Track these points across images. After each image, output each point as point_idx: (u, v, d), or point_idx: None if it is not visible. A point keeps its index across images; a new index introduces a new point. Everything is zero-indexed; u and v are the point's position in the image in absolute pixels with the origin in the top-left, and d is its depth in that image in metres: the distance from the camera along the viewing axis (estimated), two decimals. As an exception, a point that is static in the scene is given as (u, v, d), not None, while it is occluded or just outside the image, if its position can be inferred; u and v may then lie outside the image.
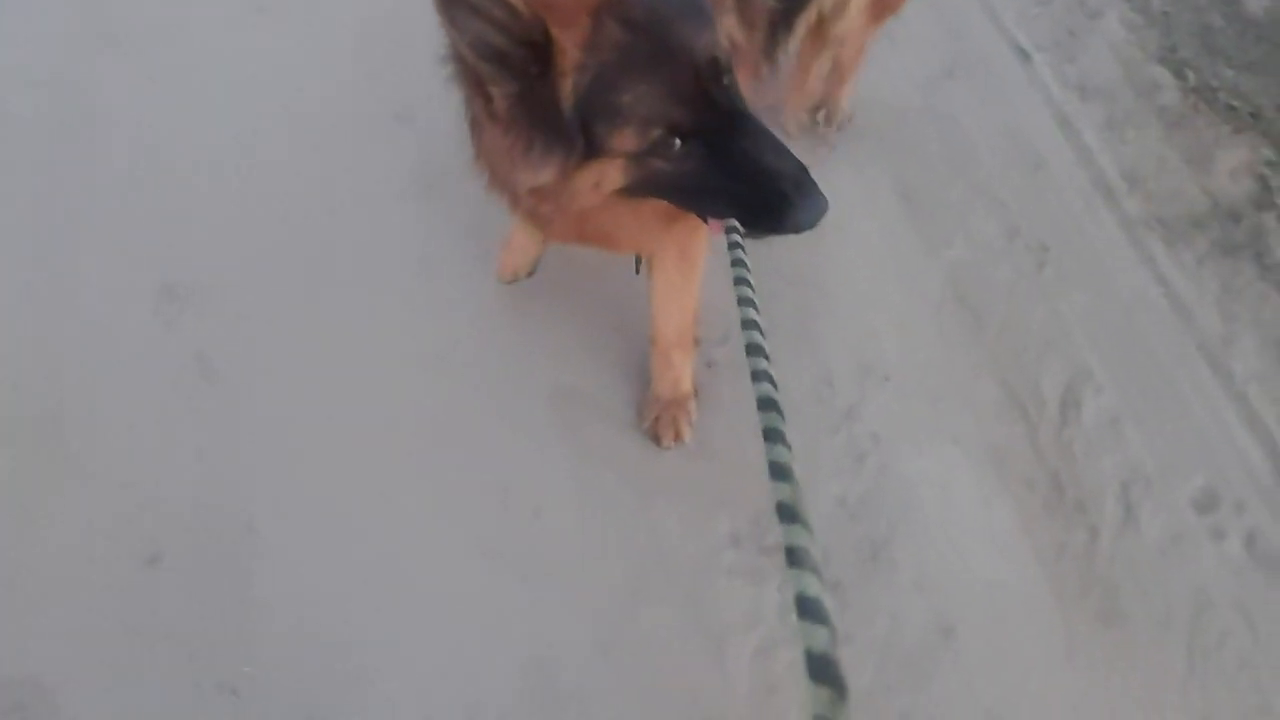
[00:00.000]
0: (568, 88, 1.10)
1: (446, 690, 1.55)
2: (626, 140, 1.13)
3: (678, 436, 1.85)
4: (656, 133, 1.13)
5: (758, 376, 0.90)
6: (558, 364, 1.92)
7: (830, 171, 2.24)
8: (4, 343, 1.87)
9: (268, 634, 1.58)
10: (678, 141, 1.14)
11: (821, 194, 1.16)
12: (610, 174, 1.19)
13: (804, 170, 1.16)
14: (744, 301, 1.05)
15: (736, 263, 1.13)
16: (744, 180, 1.16)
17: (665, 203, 1.28)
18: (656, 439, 1.84)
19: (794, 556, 0.60)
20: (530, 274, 2.04)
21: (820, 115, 2.30)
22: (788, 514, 0.59)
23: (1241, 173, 2.27)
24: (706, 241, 1.68)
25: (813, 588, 0.57)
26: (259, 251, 2.04)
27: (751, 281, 1.09)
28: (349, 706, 1.52)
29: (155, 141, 2.19)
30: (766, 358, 0.95)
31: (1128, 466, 1.89)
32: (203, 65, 2.34)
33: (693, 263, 1.71)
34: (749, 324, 1.01)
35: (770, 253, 2.11)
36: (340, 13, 2.44)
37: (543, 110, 1.12)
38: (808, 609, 0.57)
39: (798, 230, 1.18)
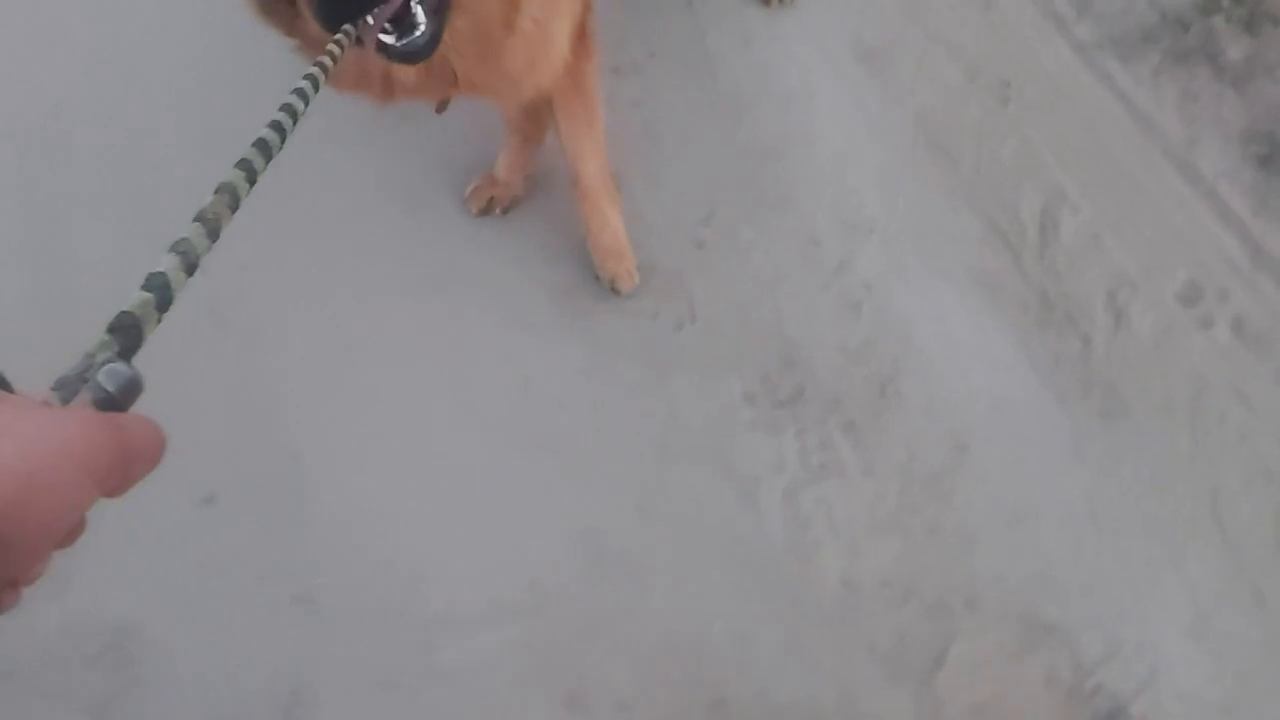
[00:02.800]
0: None
1: (507, 572, 1.65)
2: None
3: (631, 282, 1.93)
4: None
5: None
6: (552, 265, 1.99)
7: (790, 47, 2.29)
8: (21, 324, 1.94)
9: (330, 549, 1.68)
10: None
11: None
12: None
13: None
14: (278, 127, 0.75)
15: (306, 75, 0.85)
16: None
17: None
18: (616, 290, 1.93)
19: (177, 245, 0.55)
20: (504, 211, 2.05)
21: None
22: (199, 217, 0.58)
23: (1185, -20, 2.32)
24: (597, 72, 1.73)
25: (171, 266, 0.54)
26: (250, 206, 2.09)
27: (300, 110, 0.80)
28: (421, 598, 1.63)
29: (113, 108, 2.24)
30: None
31: (1112, 275, 1.97)
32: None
33: (592, 96, 1.75)
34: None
35: (739, 132, 2.17)
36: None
37: None
38: (152, 282, 0.54)
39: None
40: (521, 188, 2.04)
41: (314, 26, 1.15)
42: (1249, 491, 1.72)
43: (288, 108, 0.75)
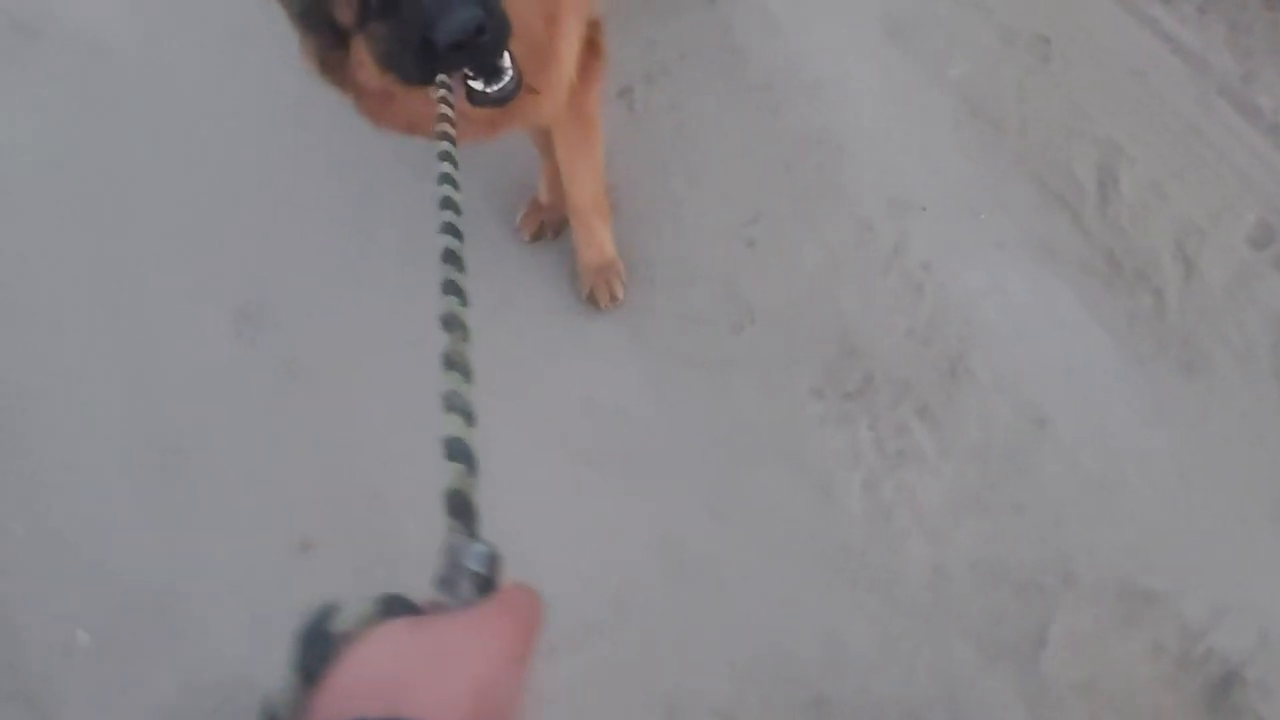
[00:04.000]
0: None
1: (590, 590, 1.67)
2: (343, 10, 1.24)
3: (613, 298, 1.95)
4: (352, 18, 1.23)
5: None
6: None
7: (817, 32, 2.26)
8: (107, 396, 2.03)
9: (422, 587, 1.72)
10: (373, 0, 1.21)
11: (467, 5, 1.16)
12: (359, 51, 1.29)
13: None
14: (444, 179, 0.93)
15: (440, 134, 1.01)
16: (411, 20, 1.19)
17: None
18: (595, 304, 1.94)
19: (447, 402, 0.63)
20: (556, 234, 2.07)
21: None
22: (447, 362, 0.65)
23: (1224, -91, 2.23)
24: (600, 97, 1.76)
25: (456, 428, 0.62)
26: (313, 257, 2.16)
27: (456, 159, 0.97)
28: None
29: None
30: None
31: (1178, 224, 1.91)
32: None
33: (591, 122, 1.78)
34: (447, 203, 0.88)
35: (777, 124, 2.16)
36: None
37: (301, 9, 1.29)
38: (452, 448, 0.61)
39: (447, 42, 1.16)
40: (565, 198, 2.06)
41: (370, 76, 1.30)
42: (1346, 435, 1.67)
43: (449, 202, 0.84)
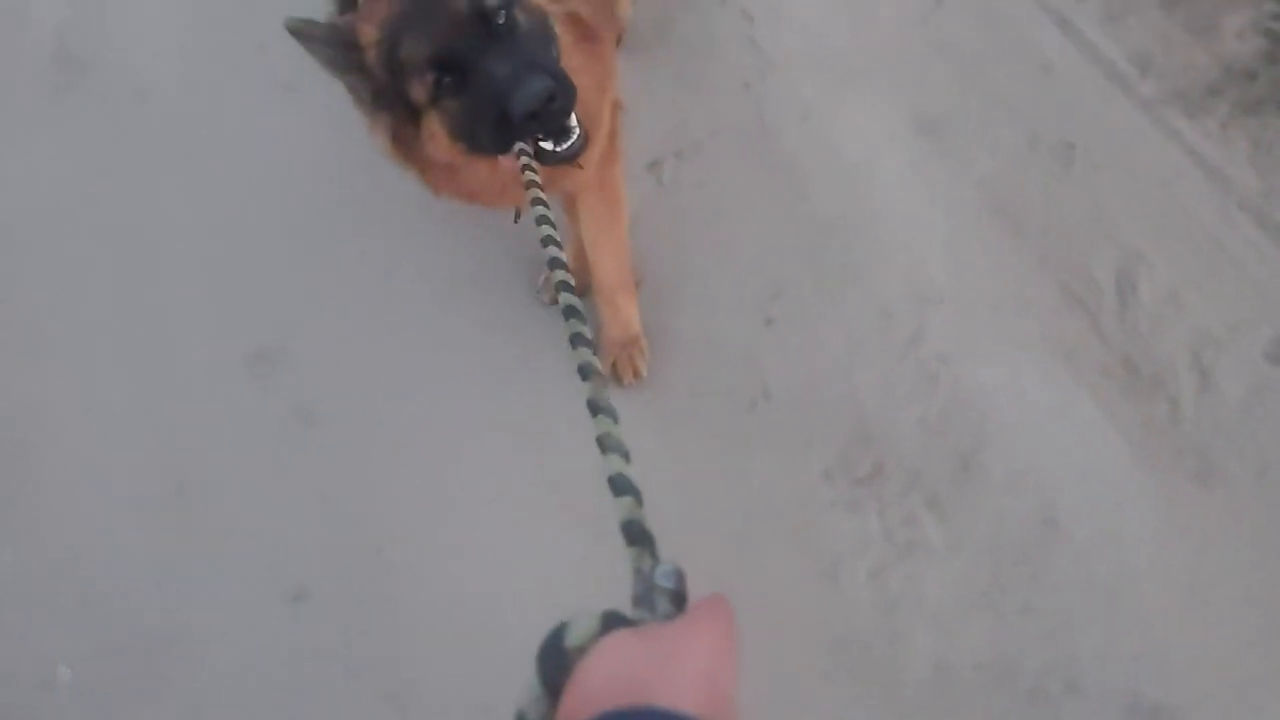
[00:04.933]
0: (372, 58, 1.35)
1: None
2: (417, 90, 1.33)
3: (636, 374, 1.96)
4: (430, 76, 1.31)
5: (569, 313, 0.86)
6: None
7: (847, 122, 2.31)
8: (118, 430, 2.02)
9: (419, 643, 1.69)
10: (446, 79, 1.30)
11: (538, 76, 1.26)
12: (431, 126, 1.38)
13: (530, 64, 1.27)
14: (548, 241, 1.01)
15: (534, 200, 1.10)
16: (485, 94, 1.28)
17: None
18: (617, 380, 1.95)
19: (602, 444, 0.70)
20: (580, 298, 2.07)
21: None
22: (594, 408, 0.71)
23: (1248, 32, 2.28)
24: (622, 174, 1.83)
25: (617, 465, 0.68)
26: (331, 308, 2.17)
27: (552, 219, 1.05)
28: (510, 693, 1.62)
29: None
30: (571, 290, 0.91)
31: (1195, 334, 1.92)
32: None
33: (615, 197, 1.83)
34: (556, 262, 0.96)
35: (803, 206, 2.19)
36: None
37: (371, 87, 1.39)
38: (617, 484, 0.67)
39: (523, 112, 1.24)
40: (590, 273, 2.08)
41: (440, 150, 1.39)
42: (1360, 558, 1.65)
43: (555, 261, 0.91)
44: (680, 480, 1.85)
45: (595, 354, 0.80)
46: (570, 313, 0.84)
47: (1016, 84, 2.34)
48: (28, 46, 2.70)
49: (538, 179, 1.14)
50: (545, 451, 1.89)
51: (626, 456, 0.69)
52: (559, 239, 0.96)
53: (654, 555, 0.64)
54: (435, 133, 1.38)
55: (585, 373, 0.76)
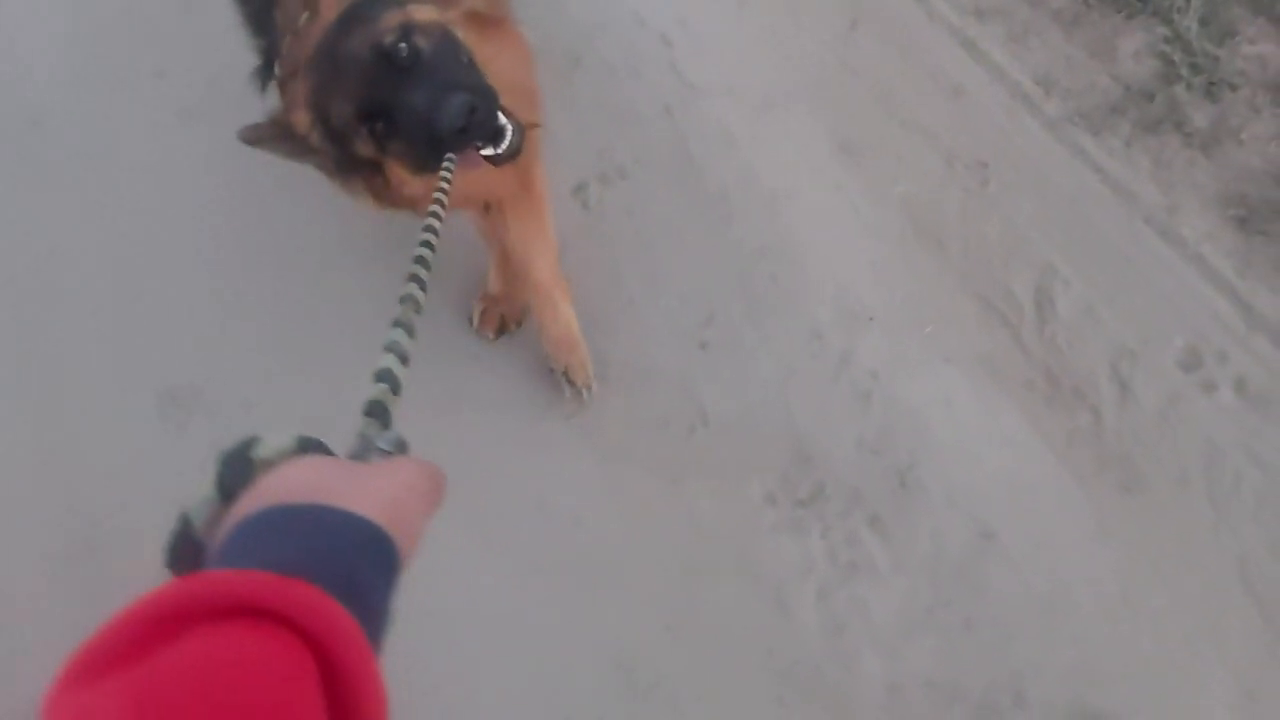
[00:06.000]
0: (315, 139, 1.40)
1: (540, 703, 1.60)
2: (364, 146, 1.36)
3: (588, 376, 1.94)
4: (364, 130, 1.34)
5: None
6: (556, 381, 1.98)
7: (770, 148, 2.34)
8: (21, 481, 1.90)
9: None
10: (378, 126, 1.33)
11: (454, 93, 1.27)
12: (394, 172, 1.42)
13: (444, 84, 1.29)
14: (421, 261, 0.97)
15: (432, 213, 1.06)
16: (415, 127, 1.30)
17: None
18: (571, 382, 1.93)
19: (389, 347, 0.74)
20: (519, 324, 2.04)
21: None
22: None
23: (1144, 54, 2.39)
24: (544, 172, 1.85)
25: (390, 363, 0.73)
26: (246, 342, 2.08)
27: (435, 243, 1.01)
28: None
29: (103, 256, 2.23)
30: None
31: (1111, 346, 1.99)
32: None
33: (539, 194, 1.84)
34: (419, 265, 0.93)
35: (731, 231, 2.20)
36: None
37: (330, 161, 1.44)
38: (380, 375, 0.72)
39: (451, 131, 1.26)
40: (523, 295, 2.04)
41: (414, 187, 1.43)
42: (1277, 555, 1.72)
43: (422, 260, 0.91)
44: (622, 511, 1.83)
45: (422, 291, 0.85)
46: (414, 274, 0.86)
47: (930, 106, 2.41)
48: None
49: (448, 189, 1.13)
50: (481, 490, 1.84)
51: (404, 360, 0.73)
52: (431, 262, 0.94)
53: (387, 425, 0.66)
54: (400, 176, 1.40)
55: (404, 300, 0.81)
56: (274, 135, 1.43)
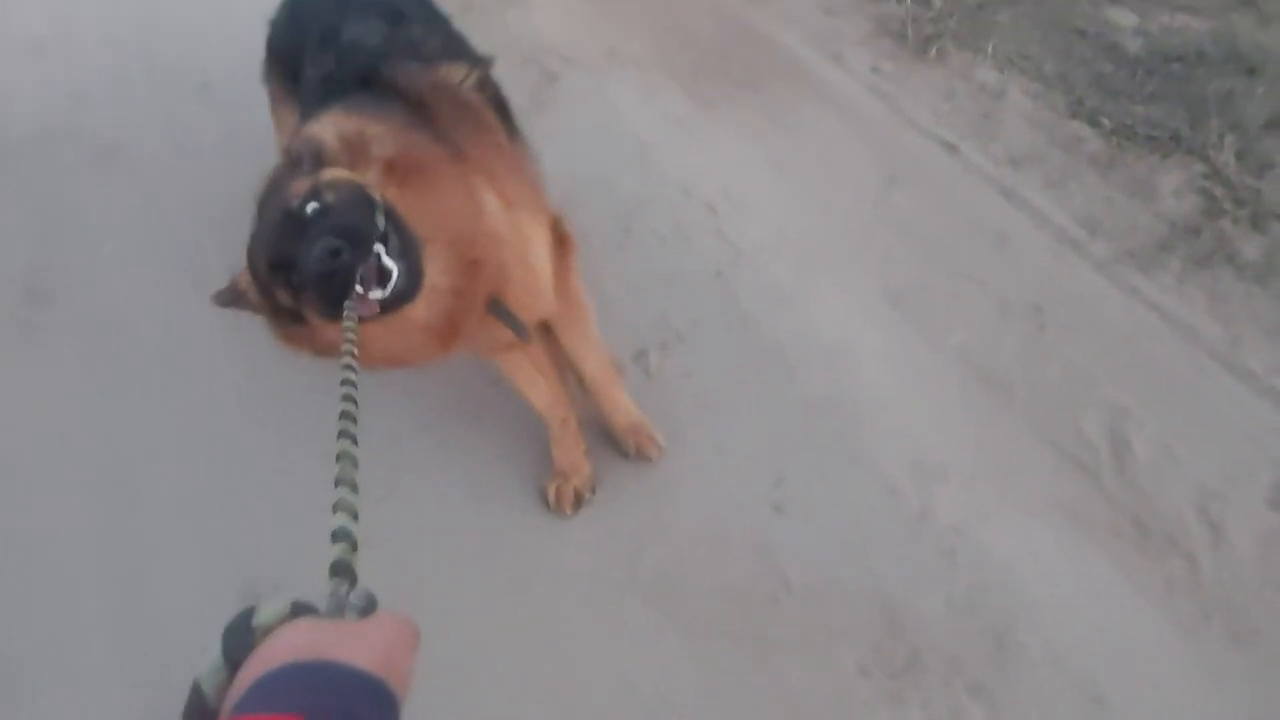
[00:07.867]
0: (255, 295, 1.46)
1: None
2: (283, 299, 1.40)
3: (659, 447, 2.08)
4: (287, 296, 1.38)
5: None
6: (637, 552, 1.95)
7: (820, 300, 2.37)
8: (110, 668, 1.87)
9: None
10: (287, 278, 1.36)
11: (321, 239, 1.27)
12: (312, 321, 1.43)
13: (320, 233, 1.29)
14: (345, 415, 0.85)
15: (345, 365, 0.97)
16: (301, 276, 1.33)
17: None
18: (646, 457, 2.07)
19: (338, 506, 0.74)
20: (593, 491, 2.05)
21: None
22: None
23: (1184, 191, 2.44)
24: (580, 280, 1.94)
25: (343, 521, 0.72)
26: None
27: (356, 396, 0.89)
28: None
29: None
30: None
31: (1195, 487, 1.95)
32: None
33: (578, 300, 1.95)
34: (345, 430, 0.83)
35: (792, 389, 2.21)
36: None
37: (267, 314, 1.49)
38: (337, 534, 0.71)
39: (314, 275, 1.28)
40: (587, 464, 2.05)
41: (330, 331, 1.40)
42: None
43: (346, 414, 0.86)
44: (708, 687, 1.77)
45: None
46: (342, 456, 0.80)
47: (976, 254, 2.45)
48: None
49: (354, 337, 1.07)
50: (561, 672, 1.79)
51: (355, 516, 0.73)
52: (356, 415, 0.86)
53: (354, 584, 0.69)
54: (317, 324, 1.41)
55: (340, 458, 0.79)
56: (232, 296, 1.51)
